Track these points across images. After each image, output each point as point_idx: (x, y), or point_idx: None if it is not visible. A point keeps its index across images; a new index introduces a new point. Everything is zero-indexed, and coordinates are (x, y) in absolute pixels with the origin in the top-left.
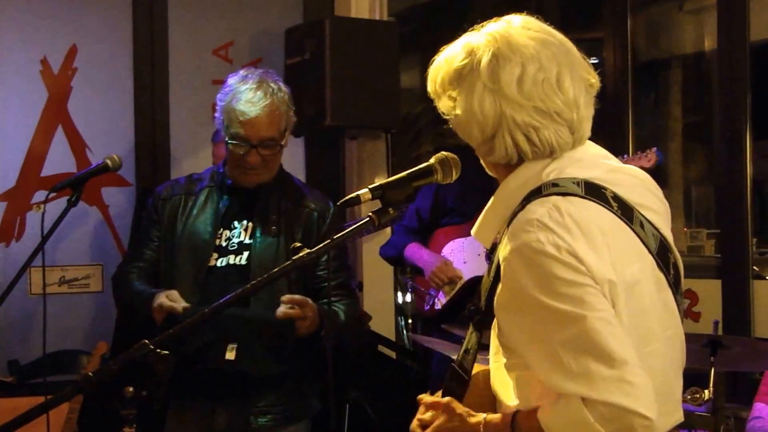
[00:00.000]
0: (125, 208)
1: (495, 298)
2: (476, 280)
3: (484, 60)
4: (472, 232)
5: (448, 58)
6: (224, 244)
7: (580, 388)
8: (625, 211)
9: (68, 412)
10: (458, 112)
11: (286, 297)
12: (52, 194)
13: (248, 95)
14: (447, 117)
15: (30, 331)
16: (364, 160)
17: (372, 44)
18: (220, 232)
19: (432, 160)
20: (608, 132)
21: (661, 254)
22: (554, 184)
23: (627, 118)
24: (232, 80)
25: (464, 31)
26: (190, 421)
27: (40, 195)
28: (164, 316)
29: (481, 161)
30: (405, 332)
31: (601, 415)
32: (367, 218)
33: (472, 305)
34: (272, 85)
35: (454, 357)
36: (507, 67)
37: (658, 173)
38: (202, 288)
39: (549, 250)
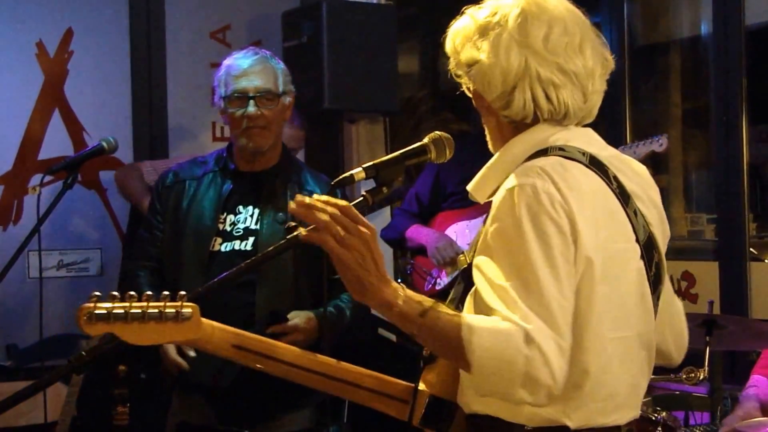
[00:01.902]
0: None
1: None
2: None
3: (513, 14)
4: (469, 187)
5: (472, 15)
6: (229, 228)
7: (528, 321)
8: (623, 194)
9: (67, 395)
10: (482, 57)
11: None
12: (48, 177)
13: (239, 56)
14: (467, 69)
15: (29, 315)
16: (362, 143)
17: (369, 27)
18: (223, 216)
19: (426, 140)
20: (605, 118)
21: (647, 248)
22: (561, 149)
23: (624, 104)
24: (225, 60)
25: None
26: (196, 406)
27: (37, 178)
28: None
29: (486, 126)
30: None
31: (533, 356)
32: (361, 197)
33: (467, 263)
34: (266, 53)
35: None
36: (535, 23)
37: (658, 159)
38: (206, 272)
39: (542, 198)
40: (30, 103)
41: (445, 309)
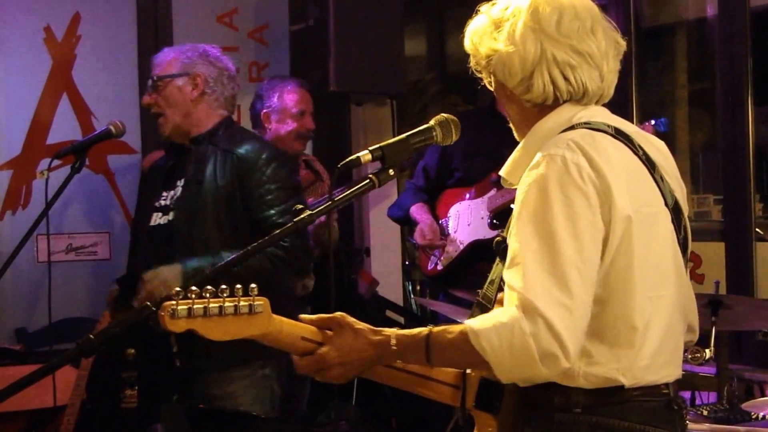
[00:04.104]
0: (131, 175)
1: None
2: (477, 244)
3: (524, 5)
4: (502, 172)
5: (486, 12)
6: (169, 203)
7: (530, 292)
8: (649, 161)
9: (77, 379)
10: (500, 47)
11: None
12: (56, 161)
13: None
14: (487, 62)
15: (37, 299)
16: (369, 126)
17: (376, 10)
18: (166, 193)
19: (432, 122)
20: (612, 99)
21: (675, 212)
22: (586, 123)
23: (630, 86)
24: None
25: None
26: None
27: (45, 163)
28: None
29: (509, 115)
30: (412, 297)
31: (537, 331)
32: (368, 179)
33: (501, 237)
34: (185, 46)
35: (459, 321)
36: (546, 10)
37: (664, 141)
38: (147, 247)
39: (571, 169)
40: (38, 88)
41: (440, 327)
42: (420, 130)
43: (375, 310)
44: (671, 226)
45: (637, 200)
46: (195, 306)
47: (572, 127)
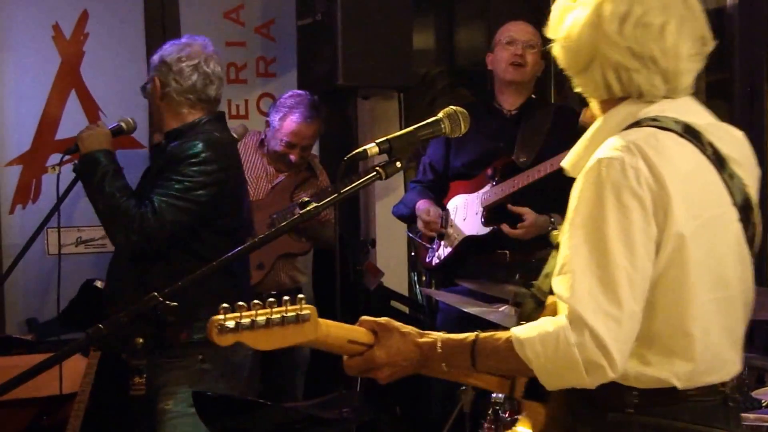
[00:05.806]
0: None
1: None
2: (471, 239)
3: None
4: (564, 164)
5: None
6: None
7: (578, 303)
8: (718, 159)
9: (87, 367)
10: (561, 35)
11: None
12: (67, 157)
13: None
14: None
15: (48, 291)
16: (376, 119)
17: (384, 3)
18: None
19: (440, 114)
20: None
21: (745, 209)
22: (654, 119)
23: None
24: None
25: None
26: None
27: (54, 158)
28: None
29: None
30: (417, 287)
31: (583, 341)
32: (375, 172)
33: (554, 227)
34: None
35: (465, 309)
36: (613, 3)
37: None
38: None
39: (628, 173)
40: (47, 85)
41: (487, 333)
42: (428, 123)
43: (380, 301)
44: (738, 225)
45: (698, 205)
46: (242, 320)
47: (638, 123)
